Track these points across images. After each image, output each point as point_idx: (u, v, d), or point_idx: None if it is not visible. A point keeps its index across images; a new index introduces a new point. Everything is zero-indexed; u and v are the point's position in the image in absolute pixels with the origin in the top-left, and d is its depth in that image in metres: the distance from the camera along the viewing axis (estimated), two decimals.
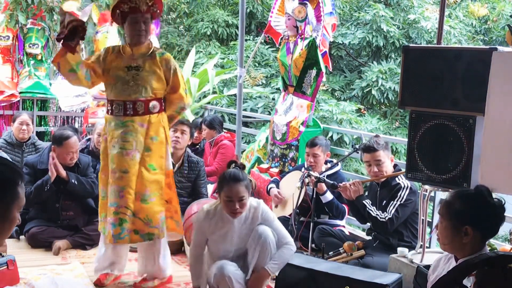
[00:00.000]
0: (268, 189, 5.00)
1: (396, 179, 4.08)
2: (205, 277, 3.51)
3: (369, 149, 4.12)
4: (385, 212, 3.97)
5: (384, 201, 4.07)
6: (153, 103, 3.74)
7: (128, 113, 3.69)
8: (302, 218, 4.54)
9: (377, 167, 4.10)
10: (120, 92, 3.70)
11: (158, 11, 3.75)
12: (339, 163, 4.88)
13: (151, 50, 3.76)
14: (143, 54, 3.74)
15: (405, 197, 3.96)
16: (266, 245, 3.39)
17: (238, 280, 3.38)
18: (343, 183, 4.21)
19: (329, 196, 4.54)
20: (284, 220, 4.46)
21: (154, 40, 7.29)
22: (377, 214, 3.97)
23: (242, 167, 3.58)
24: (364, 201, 4.04)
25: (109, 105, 3.78)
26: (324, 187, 4.48)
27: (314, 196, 4.37)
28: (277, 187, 5.00)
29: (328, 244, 4.18)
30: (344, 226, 4.78)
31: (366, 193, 4.32)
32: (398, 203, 3.96)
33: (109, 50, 3.78)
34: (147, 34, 3.75)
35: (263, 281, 3.46)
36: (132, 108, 3.69)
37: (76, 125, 7.20)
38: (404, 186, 4.00)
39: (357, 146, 4.43)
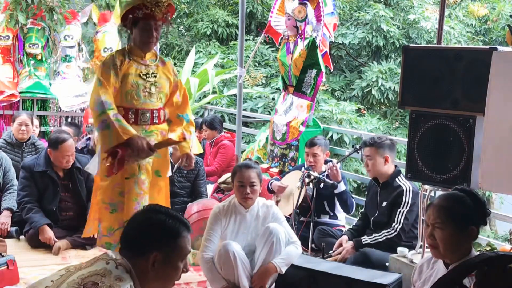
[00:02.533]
0: (270, 184, 5.01)
1: (397, 180, 4.06)
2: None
3: (364, 143, 4.23)
4: (393, 223, 3.91)
5: (385, 202, 4.05)
6: (165, 110, 3.74)
7: (154, 121, 3.62)
8: (302, 218, 4.54)
9: (368, 161, 4.14)
10: (144, 100, 3.58)
11: (169, 17, 3.64)
12: (339, 163, 4.88)
13: (158, 56, 3.72)
14: (153, 60, 3.67)
15: (410, 201, 3.93)
16: (276, 243, 3.45)
17: (242, 260, 3.48)
18: (334, 252, 4.13)
19: (342, 186, 4.52)
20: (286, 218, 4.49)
21: None
22: (385, 236, 3.91)
23: (255, 162, 3.84)
24: (363, 242, 3.97)
25: (131, 113, 3.56)
26: (340, 176, 4.48)
27: (314, 196, 4.37)
28: None
29: (328, 245, 4.18)
30: (344, 226, 4.78)
31: (366, 192, 4.33)
32: (405, 210, 3.93)
33: (119, 56, 3.57)
34: (157, 41, 3.68)
35: (269, 275, 3.50)
36: (157, 116, 3.63)
37: None
38: (407, 189, 3.97)
39: (357, 146, 4.44)
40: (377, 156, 4.08)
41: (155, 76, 3.61)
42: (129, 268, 1.91)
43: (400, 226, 3.90)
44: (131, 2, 3.46)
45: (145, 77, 3.56)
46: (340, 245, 4.14)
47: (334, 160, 4.62)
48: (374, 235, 3.97)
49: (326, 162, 4.77)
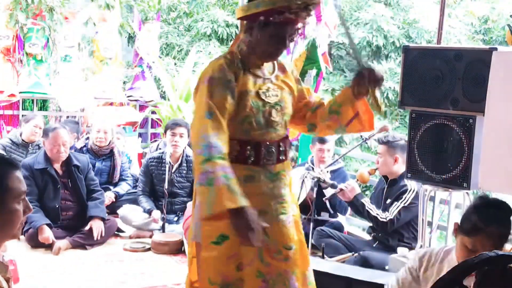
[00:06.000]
0: None
1: (405, 180, 4.09)
2: None
3: (378, 140, 4.27)
4: (386, 212, 3.98)
5: (389, 200, 4.09)
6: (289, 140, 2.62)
7: (281, 158, 2.51)
8: (303, 217, 4.56)
9: (378, 159, 4.19)
10: (266, 129, 2.47)
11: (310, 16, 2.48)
12: (341, 160, 4.94)
13: (276, 62, 2.57)
14: (270, 68, 2.55)
15: (409, 200, 3.97)
16: None
17: None
18: (340, 186, 4.20)
19: (329, 192, 4.54)
20: None
21: (154, 41, 7.31)
22: (377, 214, 3.99)
23: None
24: (362, 200, 4.05)
25: (249, 149, 2.44)
26: (329, 181, 4.51)
27: (315, 196, 4.38)
28: None
29: (327, 246, 4.18)
30: (343, 227, 4.78)
31: (373, 188, 4.36)
32: (402, 205, 3.97)
33: (231, 65, 2.42)
34: (287, 48, 2.53)
35: None
36: (284, 150, 2.53)
37: None
38: (411, 189, 4.01)
39: (366, 136, 4.43)
40: (388, 156, 4.12)
41: (276, 94, 2.50)
42: None
43: (391, 217, 3.95)
44: (269, 3, 2.33)
45: (264, 96, 2.46)
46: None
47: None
48: (373, 206, 4.04)
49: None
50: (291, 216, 2.53)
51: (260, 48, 2.43)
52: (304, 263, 2.55)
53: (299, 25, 2.42)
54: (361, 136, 4.50)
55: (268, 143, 2.47)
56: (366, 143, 4.53)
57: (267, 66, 2.53)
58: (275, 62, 2.56)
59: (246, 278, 2.42)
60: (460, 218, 2.48)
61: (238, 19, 2.52)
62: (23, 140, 5.45)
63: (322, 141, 4.88)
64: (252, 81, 2.45)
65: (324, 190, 4.52)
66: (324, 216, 4.74)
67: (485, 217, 2.33)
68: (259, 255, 2.41)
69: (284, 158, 2.53)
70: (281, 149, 2.50)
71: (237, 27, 9.89)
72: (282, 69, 2.58)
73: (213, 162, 2.23)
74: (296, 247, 2.49)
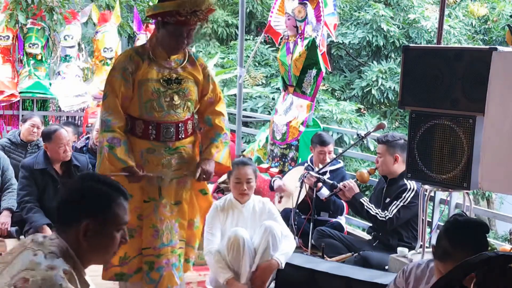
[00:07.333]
0: (273, 181, 5.03)
1: (405, 180, 4.09)
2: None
3: (377, 140, 4.29)
4: (385, 211, 3.98)
5: (388, 199, 4.09)
6: (194, 119, 3.23)
7: (180, 136, 3.11)
8: (303, 216, 4.56)
9: (377, 158, 4.18)
10: (167, 111, 3.06)
11: (207, 18, 3.05)
12: (340, 159, 4.94)
13: (188, 54, 3.15)
14: (179, 61, 3.13)
15: (409, 199, 3.96)
16: (272, 240, 3.49)
17: (249, 246, 3.52)
18: (338, 186, 4.19)
19: (324, 192, 4.54)
20: (287, 212, 4.53)
21: None
22: (376, 213, 3.99)
23: (249, 159, 3.92)
24: (361, 200, 4.04)
25: (151, 128, 3.06)
26: (319, 184, 4.49)
27: (314, 196, 4.38)
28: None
29: (327, 246, 4.18)
30: (344, 227, 4.78)
31: (373, 188, 4.36)
32: (401, 204, 3.97)
33: (135, 57, 3.04)
34: (188, 45, 3.10)
35: (272, 270, 3.55)
36: (183, 130, 3.12)
37: None
38: (410, 188, 4.01)
39: (362, 134, 4.41)
40: (387, 155, 4.11)
41: (179, 82, 3.07)
42: (65, 247, 1.80)
43: (390, 216, 3.95)
44: (161, 7, 2.93)
45: (166, 84, 3.03)
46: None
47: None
48: (372, 206, 4.03)
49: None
50: (186, 179, 3.15)
51: (164, 43, 3.01)
52: (193, 212, 3.25)
53: (194, 26, 2.97)
54: (358, 134, 4.49)
55: (168, 123, 3.04)
56: (363, 141, 4.51)
57: (176, 58, 3.09)
58: (186, 55, 3.11)
59: (144, 226, 3.10)
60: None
61: (146, 17, 3.18)
62: (21, 140, 5.45)
63: (323, 143, 4.86)
64: (156, 70, 3.02)
65: (318, 193, 4.50)
66: (324, 216, 4.74)
67: (454, 241, 2.24)
68: (155, 210, 3.08)
69: (183, 136, 3.10)
70: (180, 129, 3.07)
71: (236, 27, 9.90)
72: (192, 62, 3.14)
73: (103, 134, 2.95)
74: (184, 203, 3.16)
